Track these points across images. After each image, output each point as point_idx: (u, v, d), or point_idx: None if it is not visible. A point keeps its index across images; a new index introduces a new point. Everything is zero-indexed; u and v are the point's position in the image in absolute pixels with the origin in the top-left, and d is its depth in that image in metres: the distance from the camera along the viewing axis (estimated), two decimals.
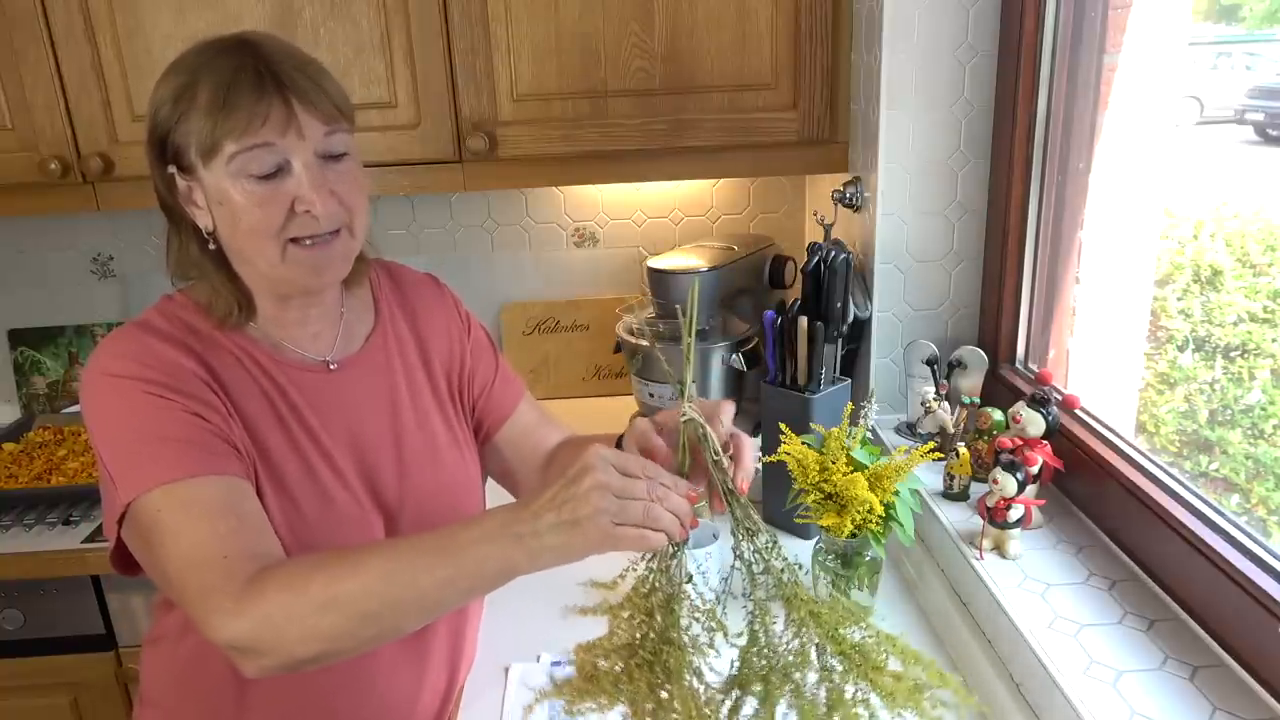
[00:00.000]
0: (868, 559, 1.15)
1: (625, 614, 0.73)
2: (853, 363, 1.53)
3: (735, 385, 1.67)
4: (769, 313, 1.51)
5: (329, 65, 1.49)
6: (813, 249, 1.46)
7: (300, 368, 0.99)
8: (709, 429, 0.78)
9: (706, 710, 0.70)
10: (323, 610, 0.76)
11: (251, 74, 0.86)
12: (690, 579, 0.74)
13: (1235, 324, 1.84)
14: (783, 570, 0.73)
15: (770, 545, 0.74)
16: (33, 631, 1.61)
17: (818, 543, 1.18)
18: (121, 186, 1.57)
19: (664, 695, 0.70)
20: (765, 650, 0.72)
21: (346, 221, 0.92)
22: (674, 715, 0.69)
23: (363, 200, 0.95)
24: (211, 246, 0.93)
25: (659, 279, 1.62)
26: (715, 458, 0.77)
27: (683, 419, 0.78)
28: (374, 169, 1.57)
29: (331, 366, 1.01)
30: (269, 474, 0.93)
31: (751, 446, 0.82)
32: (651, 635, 0.71)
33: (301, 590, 0.77)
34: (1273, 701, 0.83)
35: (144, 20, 1.48)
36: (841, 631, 0.70)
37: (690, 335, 0.78)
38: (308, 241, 0.90)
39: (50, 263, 1.98)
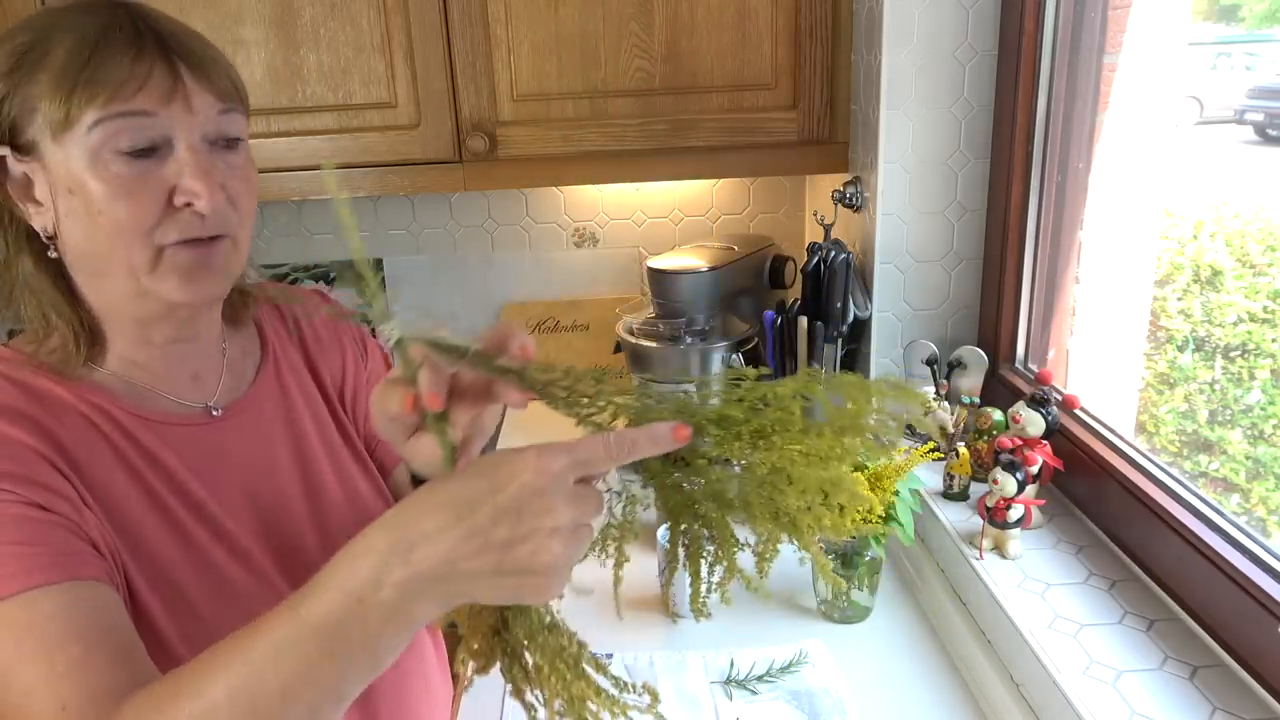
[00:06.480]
0: (868, 559, 1.15)
1: None
2: (853, 363, 1.53)
3: None
4: (769, 313, 1.52)
5: (329, 65, 1.52)
6: (813, 249, 1.47)
7: (174, 421, 0.79)
8: (434, 334, 0.60)
9: None
10: None
11: (128, 31, 0.69)
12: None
13: (1235, 324, 1.84)
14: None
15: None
16: None
17: (817, 542, 1.18)
18: None
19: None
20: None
21: (233, 229, 0.75)
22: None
23: (253, 206, 0.78)
24: (52, 254, 0.74)
25: (659, 279, 1.62)
26: (468, 352, 0.61)
27: (389, 343, 0.59)
28: (374, 169, 1.57)
29: (215, 413, 0.82)
30: (143, 569, 0.73)
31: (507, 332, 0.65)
32: None
33: None
34: (1273, 701, 0.83)
35: None
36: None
37: (354, 238, 0.57)
38: (184, 246, 0.72)
39: None
